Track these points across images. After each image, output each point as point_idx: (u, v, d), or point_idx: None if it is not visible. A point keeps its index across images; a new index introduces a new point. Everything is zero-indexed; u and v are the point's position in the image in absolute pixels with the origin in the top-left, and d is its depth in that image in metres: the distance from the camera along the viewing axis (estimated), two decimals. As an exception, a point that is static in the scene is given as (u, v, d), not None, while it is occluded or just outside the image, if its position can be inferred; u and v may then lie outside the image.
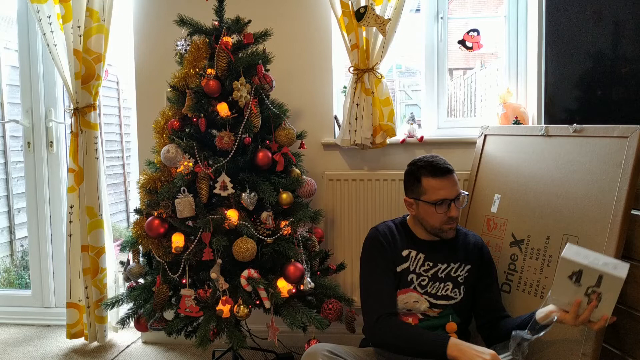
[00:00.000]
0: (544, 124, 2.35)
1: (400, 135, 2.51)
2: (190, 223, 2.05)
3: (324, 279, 2.17)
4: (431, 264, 1.75)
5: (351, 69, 2.37)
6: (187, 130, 2.08)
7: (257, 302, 1.99)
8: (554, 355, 1.73)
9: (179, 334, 2.16)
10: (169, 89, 2.14)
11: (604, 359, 1.73)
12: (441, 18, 2.53)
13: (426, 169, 1.70)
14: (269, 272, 2.05)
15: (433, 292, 1.73)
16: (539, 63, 2.36)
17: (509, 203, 2.06)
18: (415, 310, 1.72)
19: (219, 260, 1.97)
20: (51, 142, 2.96)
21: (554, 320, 1.48)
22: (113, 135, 5.52)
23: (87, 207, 2.61)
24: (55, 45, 2.59)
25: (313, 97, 2.57)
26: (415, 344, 1.56)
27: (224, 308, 1.92)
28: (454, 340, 1.51)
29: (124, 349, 2.67)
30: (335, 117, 2.59)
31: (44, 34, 2.59)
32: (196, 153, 2.02)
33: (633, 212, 1.65)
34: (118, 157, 5.61)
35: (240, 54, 2.11)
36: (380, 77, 2.35)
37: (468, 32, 2.53)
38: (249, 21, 2.16)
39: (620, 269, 1.39)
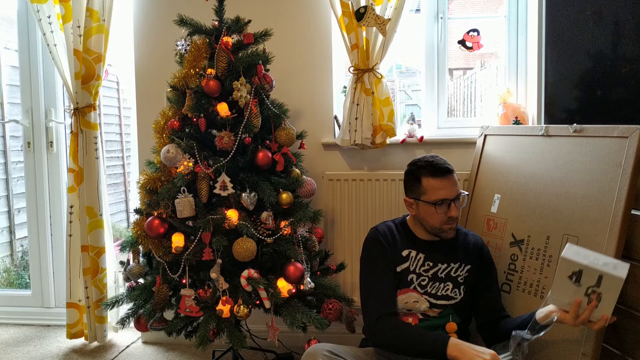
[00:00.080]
0: (544, 124, 2.35)
1: (400, 135, 2.51)
2: (190, 223, 2.05)
3: (324, 279, 2.17)
4: (431, 264, 1.75)
5: (351, 69, 2.37)
6: (187, 130, 2.09)
7: (257, 302, 1.99)
8: (554, 355, 1.73)
9: (179, 334, 2.16)
10: (169, 89, 2.14)
11: (604, 359, 1.73)
12: (441, 18, 2.53)
13: (426, 169, 1.70)
14: (269, 272, 2.05)
15: (433, 292, 1.73)
16: (539, 63, 2.36)
17: (509, 203, 2.06)
18: (415, 310, 1.72)
19: (219, 260, 1.97)
20: (51, 142, 2.96)
21: (554, 320, 1.48)
22: (113, 135, 5.52)
23: (87, 207, 2.61)
24: (55, 45, 2.59)
25: (313, 97, 2.57)
26: (415, 344, 1.56)
27: (224, 308, 1.92)
28: (454, 340, 1.51)
29: (124, 349, 2.67)
30: (335, 117, 2.59)
31: (44, 34, 2.59)
32: (196, 153, 2.02)
33: (633, 212, 1.65)
34: (118, 157, 5.61)
35: (240, 54, 2.11)
36: (380, 77, 2.35)
37: (468, 32, 2.53)
38: (249, 21, 2.16)
39: (621, 269, 1.39)
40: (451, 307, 1.73)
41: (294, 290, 1.98)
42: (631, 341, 1.67)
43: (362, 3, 2.29)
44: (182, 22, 2.12)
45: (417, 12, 2.52)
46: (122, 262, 2.25)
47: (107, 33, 2.54)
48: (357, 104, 2.34)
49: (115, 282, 2.77)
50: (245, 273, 1.96)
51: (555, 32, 2.30)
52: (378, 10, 2.30)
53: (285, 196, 2.05)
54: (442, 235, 1.74)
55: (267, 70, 2.15)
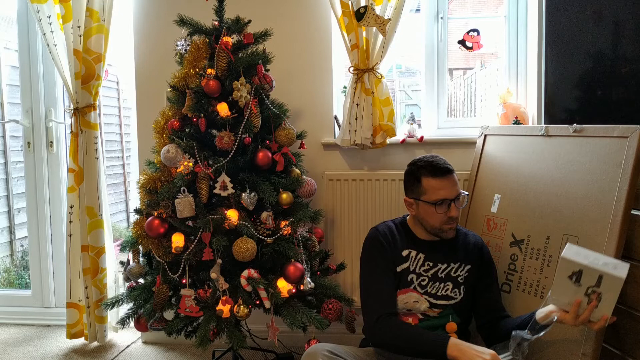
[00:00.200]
0: (544, 124, 2.35)
1: (400, 135, 2.51)
2: (190, 223, 2.05)
3: (324, 279, 2.17)
4: (431, 264, 1.75)
5: (351, 69, 2.37)
6: (187, 130, 2.09)
7: (257, 302, 1.99)
8: (554, 355, 1.73)
9: (179, 334, 2.16)
10: (169, 89, 2.14)
11: (604, 359, 1.73)
12: (441, 18, 2.53)
13: (426, 169, 1.70)
14: (269, 272, 2.05)
15: (433, 292, 1.73)
16: (539, 63, 2.36)
17: (509, 203, 2.06)
18: (415, 310, 1.72)
19: (219, 260, 1.97)
20: (51, 142, 2.96)
21: (554, 320, 1.48)
22: (113, 135, 5.52)
23: (87, 207, 2.61)
24: (55, 45, 2.59)
25: (313, 97, 2.57)
26: (415, 344, 1.56)
27: (224, 308, 1.92)
28: (453, 340, 1.51)
29: (124, 349, 2.67)
30: (335, 117, 2.59)
31: (44, 34, 2.59)
32: (196, 153, 2.02)
33: (633, 212, 1.65)
34: (118, 157, 5.61)
35: (240, 54, 2.11)
36: (380, 77, 2.35)
37: (468, 32, 2.53)
38: (249, 21, 2.16)
39: (621, 269, 1.39)
40: (451, 307, 1.73)
41: (294, 290, 1.98)
42: (631, 341, 1.67)
43: (362, 3, 2.29)
44: (182, 22, 2.12)
45: (417, 12, 2.52)
46: (122, 262, 2.25)
47: (107, 33, 2.54)
48: (357, 104, 2.34)
49: (115, 282, 2.77)
50: (245, 273, 1.96)
51: (555, 32, 2.30)
52: (378, 10, 2.30)
53: (285, 196, 2.05)
54: (442, 235, 1.74)
55: (267, 70, 2.15)
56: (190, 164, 1.99)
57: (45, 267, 3.01)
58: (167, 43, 2.55)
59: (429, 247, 1.77)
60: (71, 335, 2.71)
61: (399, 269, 1.74)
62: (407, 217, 1.83)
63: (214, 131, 2.05)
